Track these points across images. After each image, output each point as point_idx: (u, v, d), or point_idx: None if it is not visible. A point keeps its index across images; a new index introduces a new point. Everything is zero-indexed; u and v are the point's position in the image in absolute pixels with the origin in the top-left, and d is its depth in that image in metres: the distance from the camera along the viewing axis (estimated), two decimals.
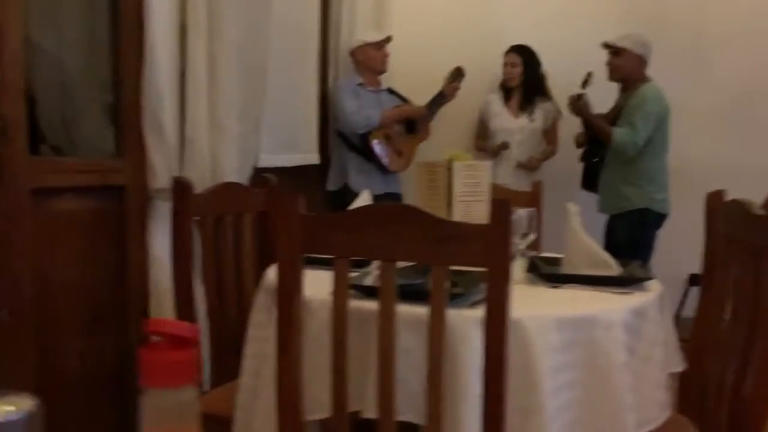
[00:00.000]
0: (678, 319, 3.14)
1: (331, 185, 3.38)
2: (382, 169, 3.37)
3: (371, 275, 1.35)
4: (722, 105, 3.73)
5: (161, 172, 2.02)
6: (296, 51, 2.95)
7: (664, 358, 1.39)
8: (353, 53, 3.35)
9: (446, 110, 3.60)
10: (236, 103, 2.26)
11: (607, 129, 3.12)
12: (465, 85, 3.49)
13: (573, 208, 1.59)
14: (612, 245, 3.11)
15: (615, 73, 3.19)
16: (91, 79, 2.07)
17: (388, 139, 3.37)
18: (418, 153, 3.47)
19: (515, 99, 3.74)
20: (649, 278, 1.51)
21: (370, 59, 3.33)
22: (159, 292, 2.07)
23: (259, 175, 2.17)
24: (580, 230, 1.57)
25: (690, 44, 3.74)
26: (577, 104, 3.21)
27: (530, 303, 1.31)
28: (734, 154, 3.67)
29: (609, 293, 1.41)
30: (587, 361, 1.23)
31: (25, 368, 1.70)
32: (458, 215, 1.75)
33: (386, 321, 1.12)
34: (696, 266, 1.77)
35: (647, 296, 1.39)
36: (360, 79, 3.34)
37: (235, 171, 2.26)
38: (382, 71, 3.41)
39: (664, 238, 3.19)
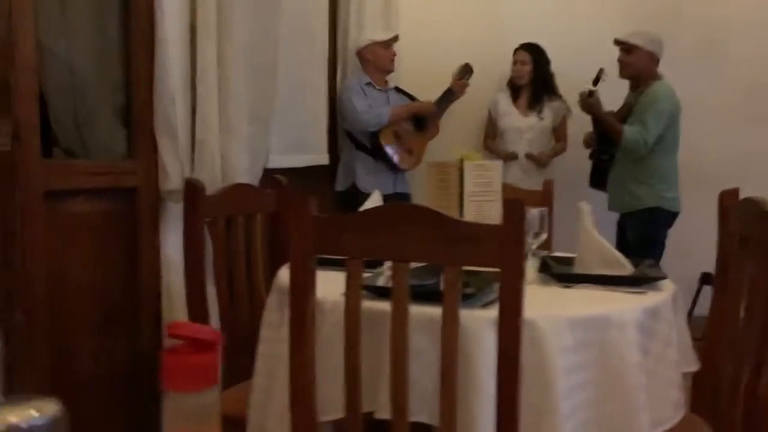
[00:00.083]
0: (690, 318, 3.12)
1: (340, 185, 3.38)
2: (391, 169, 3.38)
3: (383, 276, 1.35)
4: (735, 99, 3.68)
5: (173, 173, 2.03)
6: (305, 51, 2.95)
7: (678, 358, 1.39)
8: (361, 52, 3.35)
9: (455, 108, 3.59)
10: (246, 104, 2.27)
11: (618, 127, 3.10)
12: (473, 83, 3.49)
13: (586, 207, 1.58)
14: (623, 244, 3.10)
15: (626, 70, 3.17)
16: (103, 81, 2.08)
17: (397, 137, 3.37)
18: (427, 151, 3.47)
19: (524, 97, 3.73)
20: (663, 278, 1.51)
21: (379, 58, 3.33)
22: (171, 293, 2.08)
23: (269, 176, 2.18)
24: (592, 230, 1.56)
25: (701, 37, 3.69)
26: (588, 101, 3.18)
27: (543, 303, 1.31)
28: (748, 149, 3.63)
29: (622, 293, 1.40)
30: (601, 361, 1.23)
31: (39, 369, 1.72)
32: (470, 215, 1.74)
33: (399, 322, 1.12)
34: (708, 264, 1.76)
35: (661, 296, 1.39)
36: (368, 79, 3.34)
37: (245, 172, 2.27)
38: (389, 70, 3.41)
39: (676, 236, 3.17)
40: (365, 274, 1.22)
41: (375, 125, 3.27)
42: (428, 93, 3.47)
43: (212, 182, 2.08)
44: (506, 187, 1.99)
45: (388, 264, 1.33)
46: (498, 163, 1.90)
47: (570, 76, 3.58)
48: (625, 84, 3.26)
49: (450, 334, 1.10)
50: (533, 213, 1.56)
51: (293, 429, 1.20)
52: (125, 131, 2.06)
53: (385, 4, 3.54)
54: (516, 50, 3.71)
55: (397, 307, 1.12)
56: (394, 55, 3.38)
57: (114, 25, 2.03)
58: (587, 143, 3.43)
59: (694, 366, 1.52)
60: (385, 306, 1.15)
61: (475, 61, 3.51)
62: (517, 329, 1.07)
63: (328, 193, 3.35)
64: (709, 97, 3.60)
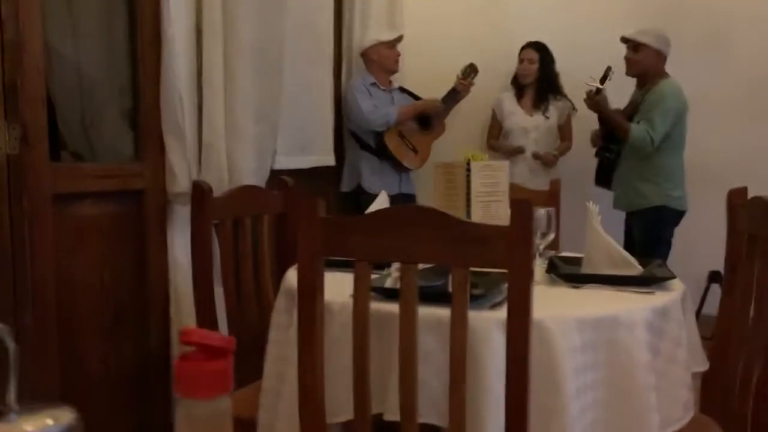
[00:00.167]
0: (698, 317, 3.11)
1: (345, 186, 3.38)
2: (397, 169, 3.37)
3: (391, 277, 1.35)
4: (741, 95, 3.64)
5: (180, 175, 2.03)
6: (311, 52, 2.95)
7: (688, 358, 1.38)
8: (366, 53, 3.35)
9: (459, 108, 3.59)
10: (252, 105, 2.27)
11: (624, 125, 3.09)
12: (478, 82, 3.48)
13: (593, 207, 1.58)
14: (630, 243, 3.09)
15: (633, 68, 3.16)
16: (110, 83, 2.08)
17: (402, 137, 3.37)
18: (432, 151, 3.46)
19: (528, 96, 3.71)
20: (672, 277, 1.50)
21: (384, 58, 3.33)
22: (179, 295, 2.08)
23: (276, 177, 2.18)
24: (600, 229, 1.56)
25: (707, 32, 3.65)
26: (596, 99, 3.17)
27: (551, 303, 1.31)
28: (754, 146, 3.59)
29: (631, 293, 1.40)
30: (610, 362, 1.22)
31: (49, 371, 1.72)
32: (477, 216, 1.74)
33: (408, 323, 1.12)
34: (716, 263, 1.76)
35: (670, 296, 1.38)
36: (372, 79, 3.34)
37: (252, 173, 2.27)
38: (394, 71, 3.41)
39: (684, 234, 3.16)
40: (373, 276, 1.22)
41: (382, 125, 3.26)
42: (432, 92, 3.47)
43: (219, 184, 2.08)
44: (513, 187, 1.98)
45: (395, 265, 1.33)
46: (505, 164, 1.89)
47: (574, 74, 3.56)
48: (631, 81, 3.25)
49: (458, 335, 1.10)
50: (540, 213, 1.55)
51: (302, 430, 1.20)
52: (132, 133, 2.07)
53: (389, 3, 3.53)
54: (523, 48, 3.69)
55: (405, 308, 1.12)
56: (399, 55, 3.38)
57: (120, 27, 2.04)
58: (594, 141, 3.42)
59: (703, 366, 1.51)
60: (393, 307, 1.14)
61: (480, 60, 3.50)
62: (525, 330, 1.07)
63: (334, 193, 3.35)
64: (714, 92, 3.56)
